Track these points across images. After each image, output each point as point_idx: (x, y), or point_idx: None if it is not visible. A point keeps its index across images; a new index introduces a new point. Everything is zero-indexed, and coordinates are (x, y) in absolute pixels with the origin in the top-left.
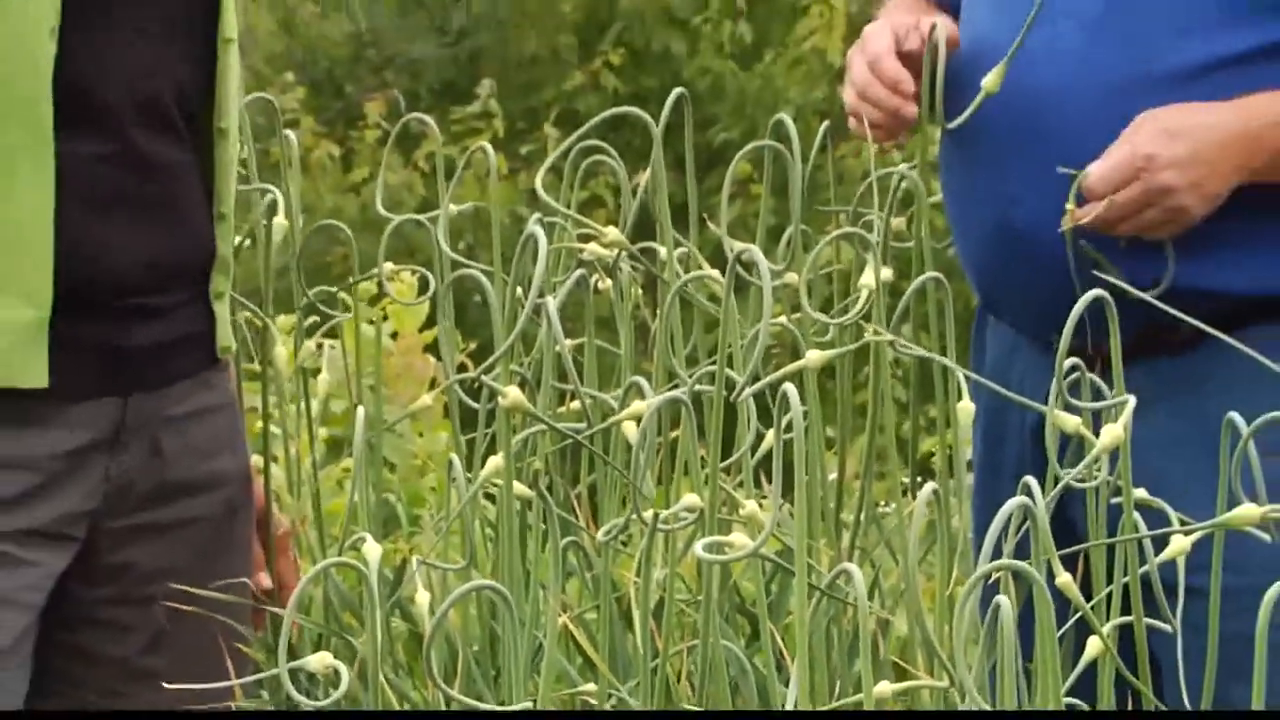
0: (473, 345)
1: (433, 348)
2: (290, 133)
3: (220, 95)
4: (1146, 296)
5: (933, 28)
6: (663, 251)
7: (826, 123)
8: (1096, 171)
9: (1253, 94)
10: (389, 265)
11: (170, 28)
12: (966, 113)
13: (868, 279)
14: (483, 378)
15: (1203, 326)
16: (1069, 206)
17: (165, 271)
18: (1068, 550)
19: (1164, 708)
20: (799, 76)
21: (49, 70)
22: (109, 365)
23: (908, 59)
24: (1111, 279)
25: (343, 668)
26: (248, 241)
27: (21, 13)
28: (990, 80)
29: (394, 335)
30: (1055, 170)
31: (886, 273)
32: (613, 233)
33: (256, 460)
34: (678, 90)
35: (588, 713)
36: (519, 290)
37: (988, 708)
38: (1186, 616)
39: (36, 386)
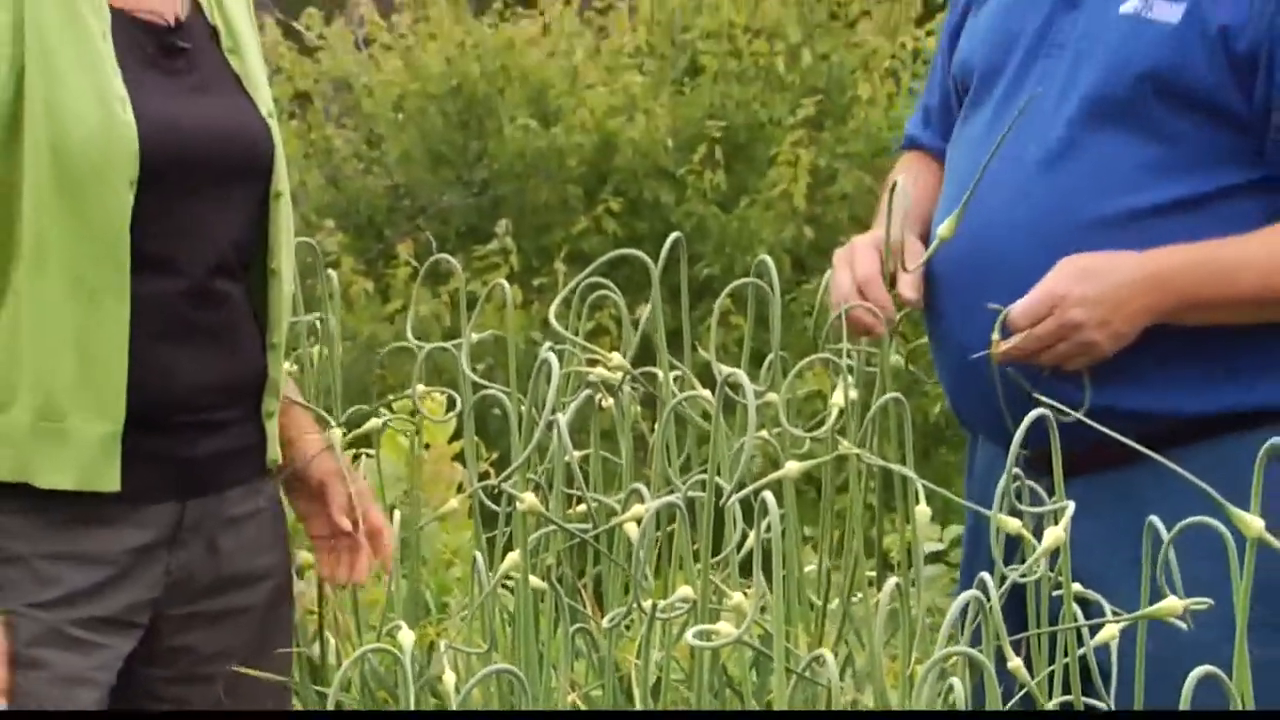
0: (494, 455)
1: (459, 457)
2: (332, 272)
3: (272, 240)
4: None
5: (893, 187)
6: (660, 374)
7: (828, 273)
8: (1017, 308)
9: (1166, 242)
10: (421, 386)
11: (233, 183)
12: (925, 256)
13: (838, 398)
14: (503, 485)
15: (1131, 443)
16: (994, 338)
17: (223, 392)
18: (1015, 637)
19: None
20: (770, 219)
21: (127, 217)
22: (173, 473)
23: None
24: (1053, 400)
25: None
26: (297, 366)
27: (105, 165)
28: (944, 228)
29: (426, 446)
30: (1002, 302)
31: (854, 393)
32: (616, 358)
33: (306, 555)
34: (674, 235)
35: (587, 713)
36: (534, 408)
37: None
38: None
39: (109, 490)
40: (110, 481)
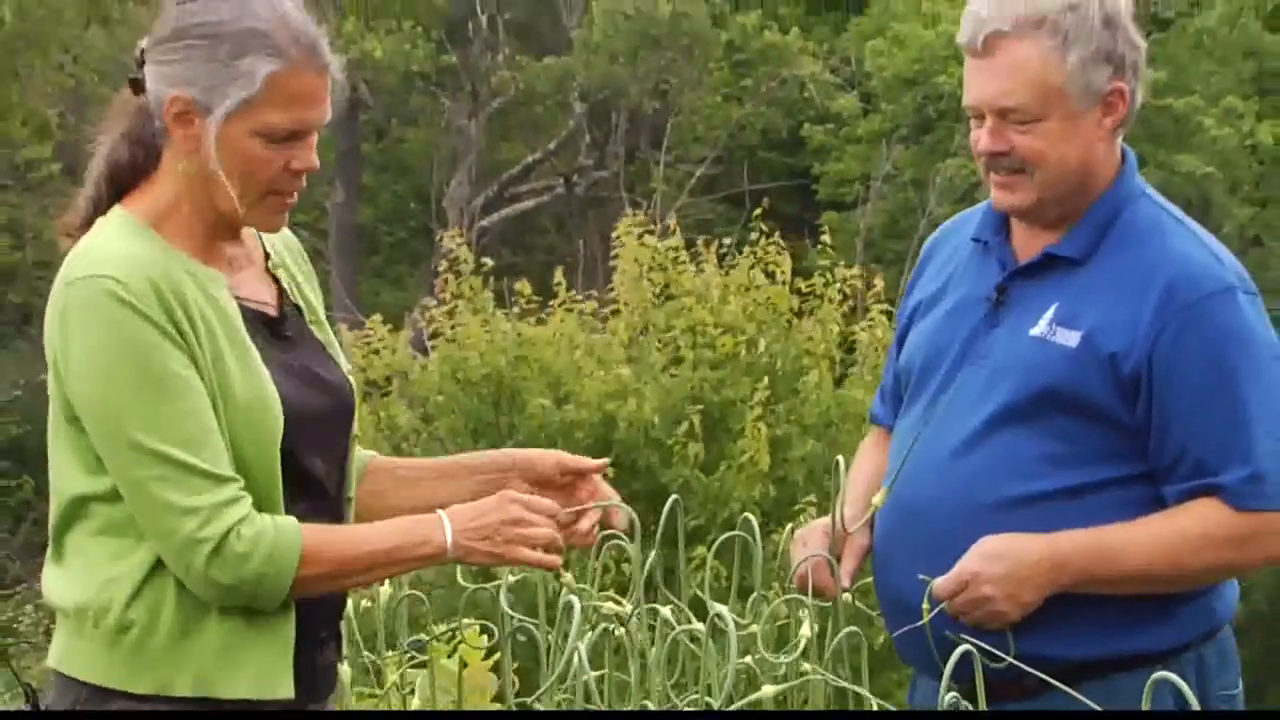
0: (516, 664)
1: (495, 667)
2: None
3: (349, 474)
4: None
5: (836, 465)
6: (662, 610)
7: (791, 526)
8: (938, 582)
9: (1063, 522)
10: (466, 619)
11: (338, 434)
12: (861, 520)
13: (805, 630)
14: (534, 708)
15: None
16: (925, 606)
17: (333, 611)
18: None
19: None
20: (741, 480)
21: (278, 475)
22: (303, 681)
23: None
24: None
25: None
26: (367, 602)
27: (260, 430)
28: (878, 498)
29: (464, 665)
30: (926, 563)
31: (817, 626)
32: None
33: None
34: (673, 498)
35: (588, 712)
36: (560, 640)
37: None
38: None
39: (285, 698)
40: (285, 689)
